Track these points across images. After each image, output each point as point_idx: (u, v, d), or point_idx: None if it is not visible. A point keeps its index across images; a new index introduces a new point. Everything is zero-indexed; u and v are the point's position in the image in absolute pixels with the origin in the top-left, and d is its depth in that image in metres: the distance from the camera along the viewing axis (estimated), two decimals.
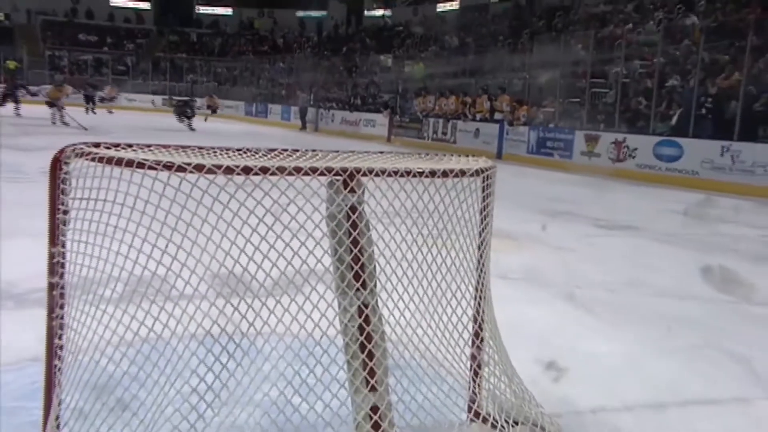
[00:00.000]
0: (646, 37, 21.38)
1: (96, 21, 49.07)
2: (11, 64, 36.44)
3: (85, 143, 2.94)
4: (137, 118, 36.17)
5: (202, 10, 51.53)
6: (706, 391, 4.62)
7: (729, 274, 8.08)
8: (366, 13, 45.88)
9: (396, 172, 3.13)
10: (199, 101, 36.21)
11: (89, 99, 36.49)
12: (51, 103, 27.53)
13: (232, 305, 2.96)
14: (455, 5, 39.29)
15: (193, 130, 31.25)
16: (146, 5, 50.64)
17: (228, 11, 51.44)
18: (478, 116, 24.09)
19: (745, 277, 7.92)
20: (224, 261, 2.89)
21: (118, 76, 42.22)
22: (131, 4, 50.22)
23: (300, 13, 49.02)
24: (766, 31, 17.15)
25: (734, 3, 22.01)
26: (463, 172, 3.34)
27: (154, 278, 2.85)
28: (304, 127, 33.24)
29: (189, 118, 32.05)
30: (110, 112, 38.13)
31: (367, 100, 32.00)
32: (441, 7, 40.12)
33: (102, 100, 38.02)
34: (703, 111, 16.96)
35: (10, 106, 30.92)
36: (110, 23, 49.42)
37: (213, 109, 37.63)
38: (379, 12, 45.12)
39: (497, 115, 23.12)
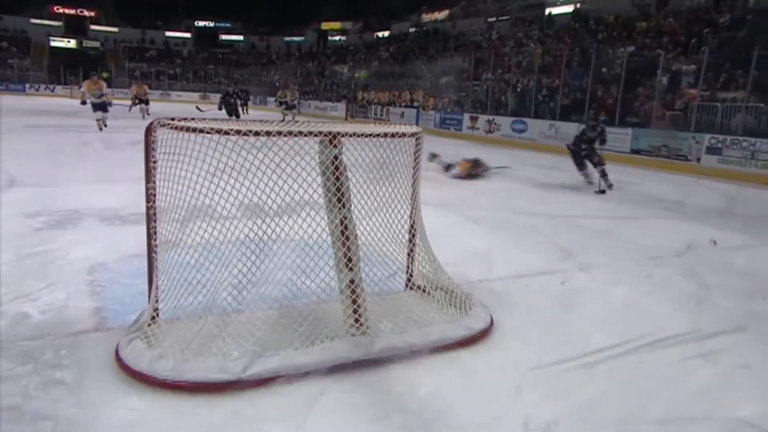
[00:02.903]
0: (505, 55, 21.52)
1: (156, 45, 47.71)
2: (105, 74, 34.69)
3: (165, 118, 2.89)
4: (184, 108, 35.23)
5: (224, 37, 50.35)
6: (544, 267, 4.76)
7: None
8: (330, 38, 45.08)
9: (362, 134, 3.14)
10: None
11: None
12: None
13: (266, 221, 2.97)
14: (387, 33, 38.67)
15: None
16: (188, 35, 49.43)
17: (240, 38, 50.33)
18: (402, 104, 23.91)
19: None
20: (254, 193, 2.89)
21: (171, 81, 40.91)
22: (178, 35, 48.99)
23: (286, 38, 48.00)
24: (576, 56, 17.47)
25: (556, 38, 22.28)
26: (404, 134, 3.36)
27: (209, 206, 2.86)
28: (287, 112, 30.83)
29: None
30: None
31: (332, 94, 31.50)
32: (378, 35, 39.47)
33: (289, 107, 22.75)
34: (540, 100, 17.21)
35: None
36: (165, 47, 47.92)
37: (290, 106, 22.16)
38: (338, 38, 44.44)
39: (415, 104, 23.05)
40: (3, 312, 3.29)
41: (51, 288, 3.67)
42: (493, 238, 5.62)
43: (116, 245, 4.61)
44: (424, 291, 3.68)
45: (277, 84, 35.58)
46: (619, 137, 13.52)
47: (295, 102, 22.22)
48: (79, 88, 18.39)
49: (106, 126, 14.70)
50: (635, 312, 3.84)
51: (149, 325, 2.91)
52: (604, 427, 2.48)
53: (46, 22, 44.20)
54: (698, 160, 11.90)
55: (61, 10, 44.90)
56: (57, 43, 43.87)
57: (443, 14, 35.23)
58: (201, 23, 49.84)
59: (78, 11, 45.42)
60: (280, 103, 22.64)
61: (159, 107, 24.75)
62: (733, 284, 4.49)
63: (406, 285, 3.75)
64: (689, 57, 14.24)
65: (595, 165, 8.87)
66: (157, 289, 2.97)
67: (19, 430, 2.25)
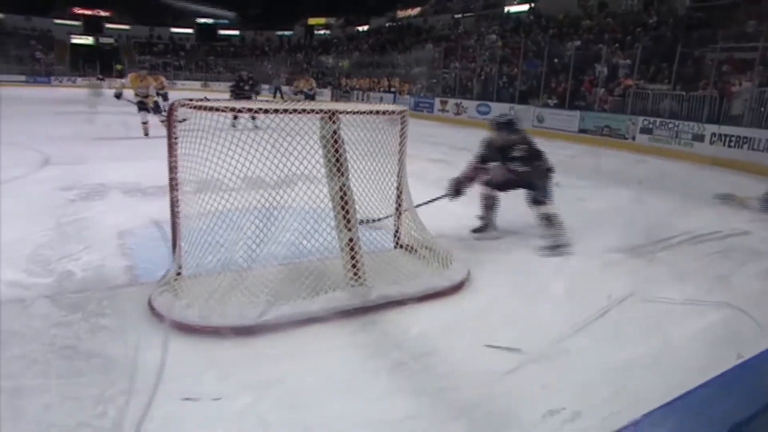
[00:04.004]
0: (470, 47, 21.29)
1: (162, 40, 46.44)
2: (119, 66, 33.35)
3: (184, 98, 2.81)
4: (189, 95, 33.71)
5: (222, 32, 49.07)
6: (510, 228, 4.71)
7: None
8: (316, 32, 44.15)
9: (357, 111, 3.09)
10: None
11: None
12: None
13: (275, 189, 2.92)
14: (366, 27, 37.97)
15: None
16: (190, 31, 48.08)
17: (237, 32, 49.09)
18: (381, 90, 23.49)
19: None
20: (264, 164, 2.83)
21: (177, 71, 39.66)
22: (182, 31, 47.58)
23: (278, 33, 46.86)
24: (531, 49, 17.34)
25: (514, 32, 22.06)
26: (392, 112, 3.31)
27: (223, 177, 2.80)
28: (279, 97, 27.83)
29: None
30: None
31: (318, 81, 30.90)
32: (358, 29, 38.71)
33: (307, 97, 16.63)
34: (502, 86, 17.10)
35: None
36: (170, 42, 46.61)
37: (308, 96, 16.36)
38: (323, 31, 43.54)
39: (392, 89, 22.71)
40: (52, 270, 3.28)
41: (88, 250, 3.62)
42: (466, 204, 5.59)
43: (140, 214, 4.53)
44: (410, 249, 3.68)
45: (271, 72, 34.71)
46: (568, 119, 13.60)
47: (313, 92, 17.70)
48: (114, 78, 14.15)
49: (147, 135, 9.93)
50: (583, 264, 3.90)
51: (175, 280, 2.88)
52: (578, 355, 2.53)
53: (68, 22, 42.98)
54: (634, 138, 12.02)
55: (80, 11, 43.63)
56: (77, 40, 42.83)
57: (415, 11, 34.68)
58: (202, 20, 48.57)
59: (95, 12, 44.15)
60: (297, 93, 17.99)
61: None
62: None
63: (395, 244, 3.74)
64: (625, 51, 14.32)
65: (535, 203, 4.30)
66: (180, 249, 2.92)
67: (76, 365, 2.27)
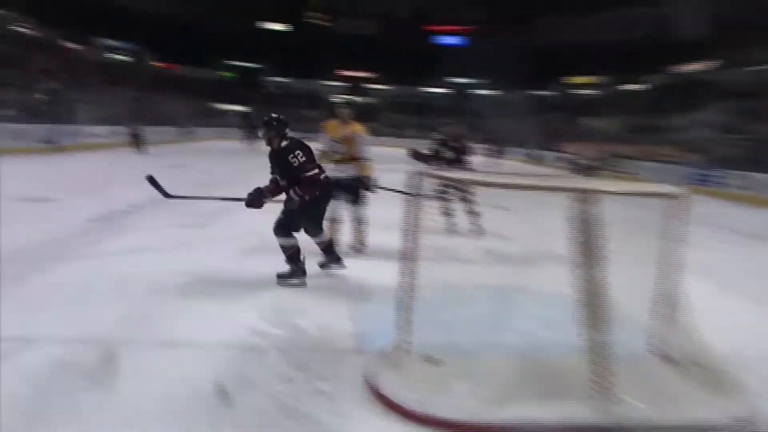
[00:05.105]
0: None
1: (416, 100, 51.68)
2: (373, 124, 38.09)
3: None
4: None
5: (474, 92, 52.38)
6: None
7: None
8: (577, 91, 43.74)
9: (617, 192, 2.88)
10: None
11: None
12: None
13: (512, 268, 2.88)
14: (639, 86, 36.18)
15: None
16: (444, 90, 52.62)
17: (491, 92, 51.84)
18: (655, 159, 21.37)
19: None
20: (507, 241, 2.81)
21: (430, 131, 43.10)
22: (436, 90, 52.49)
23: (535, 92, 47.75)
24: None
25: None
26: (665, 194, 3.00)
27: (454, 247, 2.85)
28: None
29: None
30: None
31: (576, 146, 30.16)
32: (628, 87, 37.02)
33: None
34: None
35: None
36: (423, 101, 51.54)
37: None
38: (587, 91, 42.80)
39: (670, 158, 20.66)
40: (287, 323, 3.74)
41: (321, 308, 4.06)
42: (764, 313, 4.68)
43: (375, 278, 4.68)
44: (671, 359, 3.20)
45: (523, 134, 34.91)
46: None
47: (597, 164, 13.80)
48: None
49: (362, 247, 5.73)
50: None
51: (397, 355, 2.99)
52: None
53: (336, 83, 51.86)
54: None
55: (344, 73, 51.89)
56: (337, 99, 51.50)
57: (700, 66, 31.82)
58: (457, 80, 52.68)
59: (356, 73, 52.06)
60: (573, 163, 15.27)
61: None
62: None
63: (656, 352, 3.31)
64: None
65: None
66: (406, 322, 3.02)
67: (294, 427, 2.51)
